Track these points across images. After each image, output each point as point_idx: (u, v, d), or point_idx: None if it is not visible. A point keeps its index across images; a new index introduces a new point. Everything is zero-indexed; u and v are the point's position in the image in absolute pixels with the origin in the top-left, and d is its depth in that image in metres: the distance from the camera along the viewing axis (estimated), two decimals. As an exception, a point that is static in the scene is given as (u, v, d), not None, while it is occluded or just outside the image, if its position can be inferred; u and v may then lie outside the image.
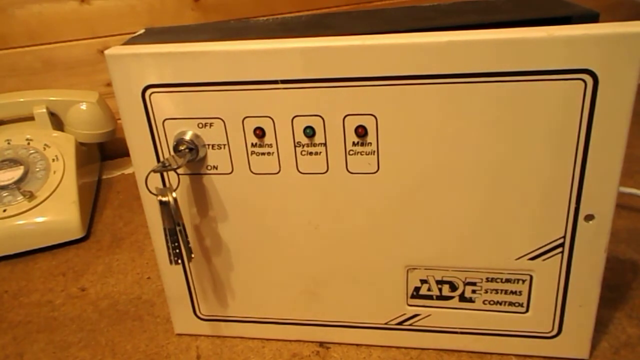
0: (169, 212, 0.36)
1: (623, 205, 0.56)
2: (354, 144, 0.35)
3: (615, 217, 0.54)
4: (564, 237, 0.35)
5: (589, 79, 0.31)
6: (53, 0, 0.74)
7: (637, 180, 0.61)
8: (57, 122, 0.70)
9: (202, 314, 0.43)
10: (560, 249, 0.36)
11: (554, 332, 0.39)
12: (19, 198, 0.60)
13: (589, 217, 0.34)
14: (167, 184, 0.38)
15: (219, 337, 0.44)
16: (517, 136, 0.33)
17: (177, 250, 0.37)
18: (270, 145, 0.36)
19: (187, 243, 0.38)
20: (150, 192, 0.36)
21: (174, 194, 0.36)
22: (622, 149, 0.32)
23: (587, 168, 0.33)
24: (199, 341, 0.43)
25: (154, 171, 0.37)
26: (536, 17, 0.34)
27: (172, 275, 0.41)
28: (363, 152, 0.35)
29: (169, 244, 0.37)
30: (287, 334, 0.43)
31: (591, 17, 0.33)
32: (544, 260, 0.36)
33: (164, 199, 0.36)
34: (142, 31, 0.41)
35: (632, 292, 0.44)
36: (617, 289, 0.45)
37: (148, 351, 0.43)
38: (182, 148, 0.36)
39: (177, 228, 0.37)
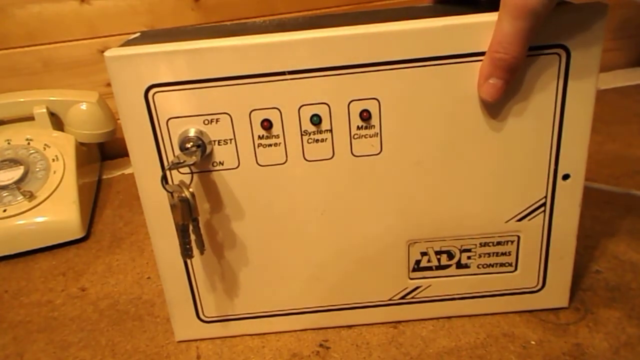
0: (187, 208, 0.36)
1: (623, 205, 0.56)
2: (358, 127, 0.36)
3: (615, 217, 0.54)
4: (546, 196, 0.39)
5: (562, 53, 0.35)
6: (53, 0, 0.74)
7: (637, 180, 0.61)
8: (57, 122, 0.71)
9: (207, 316, 0.43)
10: (542, 208, 0.39)
11: (539, 286, 0.42)
12: (19, 198, 0.60)
13: (566, 176, 0.38)
14: (176, 181, 0.38)
15: (219, 337, 0.44)
16: (505, 109, 0.36)
17: (188, 246, 0.37)
18: (277, 136, 0.37)
19: (200, 238, 0.38)
20: (167, 190, 0.36)
21: (190, 189, 0.36)
22: (591, 111, 0.36)
23: (564, 131, 0.37)
24: (199, 341, 0.43)
25: (170, 168, 0.37)
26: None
27: (173, 279, 0.41)
28: (367, 135, 0.37)
29: (184, 241, 0.37)
30: (293, 324, 0.43)
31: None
32: (529, 220, 0.39)
33: (183, 195, 0.36)
34: (137, 34, 0.41)
35: (632, 292, 0.44)
36: (617, 289, 0.45)
37: (148, 351, 0.43)
38: (189, 146, 0.36)
39: (193, 223, 0.37)
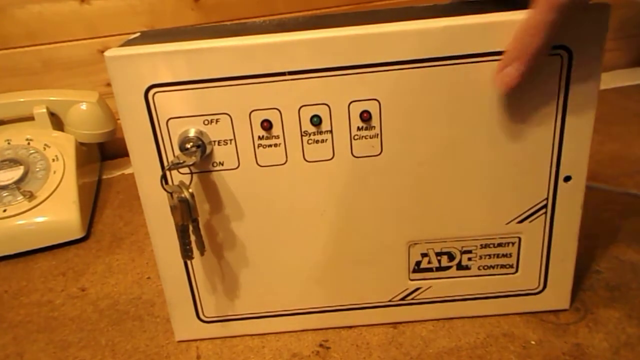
0: (187, 209, 0.36)
1: (623, 205, 0.56)
2: (358, 128, 0.36)
3: (615, 217, 0.54)
4: (547, 198, 0.39)
5: (564, 54, 0.34)
6: (53, 0, 0.74)
7: (637, 180, 0.61)
8: (57, 122, 0.71)
9: (206, 316, 0.43)
10: (544, 210, 0.39)
11: (540, 288, 0.42)
12: (19, 198, 0.60)
13: (568, 178, 0.38)
14: (177, 182, 0.38)
15: (219, 337, 0.44)
16: (506, 110, 0.36)
17: (188, 247, 0.37)
18: (277, 137, 0.37)
19: (200, 238, 0.38)
20: (166, 191, 0.36)
21: (190, 190, 0.36)
22: (594, 113, 0.36)
23: (565, 133, 0.37)
24: (199, 341, 0.43)
25: (170, 168, 0.37)
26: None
27: (173, 279, 0.41)
28: (367, 135, 0.37)
29: (184, 242, 0.37)
30: (293, 325, 0.43)
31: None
32: (530, 222, 0.39)
33: (182, 195, 0.36)
34: (137, 34, 0.41)
35: (632, 292, 0.44)
36: (617, 289, 0.45)
37: (148, 351, 0.43)
38: (189, 146, 0.36)
39: (193, 224, 0.37)
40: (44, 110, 0.69)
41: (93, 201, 0.69)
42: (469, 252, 0.41)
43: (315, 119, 0.36)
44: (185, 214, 0.36)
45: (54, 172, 0.63)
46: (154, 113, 0.36)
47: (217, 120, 0.36)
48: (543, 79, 0.35)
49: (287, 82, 0.35)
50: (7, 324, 0.48)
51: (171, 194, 0.36)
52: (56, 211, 0.60)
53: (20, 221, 0.58)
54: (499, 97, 0.35)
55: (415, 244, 0.40)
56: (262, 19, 0.44)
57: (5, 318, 0.49)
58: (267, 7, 0.81)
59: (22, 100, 0.70)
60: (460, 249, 0.41)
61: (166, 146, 0.37)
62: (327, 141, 0.37)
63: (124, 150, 0.37)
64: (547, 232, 0.40)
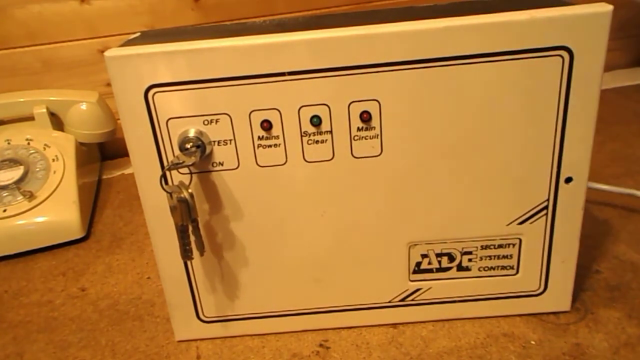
0: (186, 209, 0.36)
1: (623, 206, 0.56)
2: (358, 129, 0.36)
3: (615, 217, 0.54)
4: (548, 199, 0.39)
5: (565, 55, 0.34)
6: (53, 0, 0.74)
7: (637, 180, 0.61)
8: (57, 122, 0.71)
9: (207, 316, 0.43)
10: (545, 211, 0.39)
11: (541, 290, 0.42)
12: (19, 198, 0.60)
13: (569, 180, 0.38)
14: (177, 182, 0.38)
15: (219, 337, 0.44)
16: (507, 111, 0.36)
17: (188, 247, 0.37)
18: (277, 137, 0.37)
19: (200, 239, 0.38)
20: (166, 191, 0.36)
21: (189, 190, 0.36)
22: (595, 114, 0.36)
23: (566, 134, 0.36)
24: (199, 341, 0.43)
25: (170, 169, 0.37)
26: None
27: (173, 279, 0.41)
28: (367, 136, 0.37)
29: (184, 242, 0.37)
30: (293, 325, 0.43)
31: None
32: (531, 223, 0.39)
33: (182, 196, 0.36)
34: (137, 34, 0.41)
35: (632, 292, 0.44)
36: (617, 289, 0.45)
37: (148, 351, 0.43)
38: (189, 146, 0.36)
39: (192, 224, 0.37)
40: (44, 110, 0.69)
41: (93, 201, 0.69)
42: (470, 253, 0.41)
43: (315, 120, 0.36)
44: (184, 214, 0.36)
45: (54, 172, 0.63)
46: (153, 113, 0.36)
47: (216, 121, 0.36)
48: (544, 80, 0.35)
49: (287, 82, 0.35)
50: (7, 324, 0.48)
51: (170, 194, 0.36)
52: (56, 211, 0.60)
53: (20, 221, 0.58)
54: (500, 98, 0.35)
55: (416, 244, 0.40)
56: (262, 19, 0.44)
57: (5, 318, 0.49)
58: (267, 7, 0.81)
59: (22, 100, 0.70)
60: (460, 250, 0.41)
61: (166, 146, 0.37)
62: (327, 141, 0.37)
63: (124, 150, 0.37)
64: (548, 234, 0.40)
